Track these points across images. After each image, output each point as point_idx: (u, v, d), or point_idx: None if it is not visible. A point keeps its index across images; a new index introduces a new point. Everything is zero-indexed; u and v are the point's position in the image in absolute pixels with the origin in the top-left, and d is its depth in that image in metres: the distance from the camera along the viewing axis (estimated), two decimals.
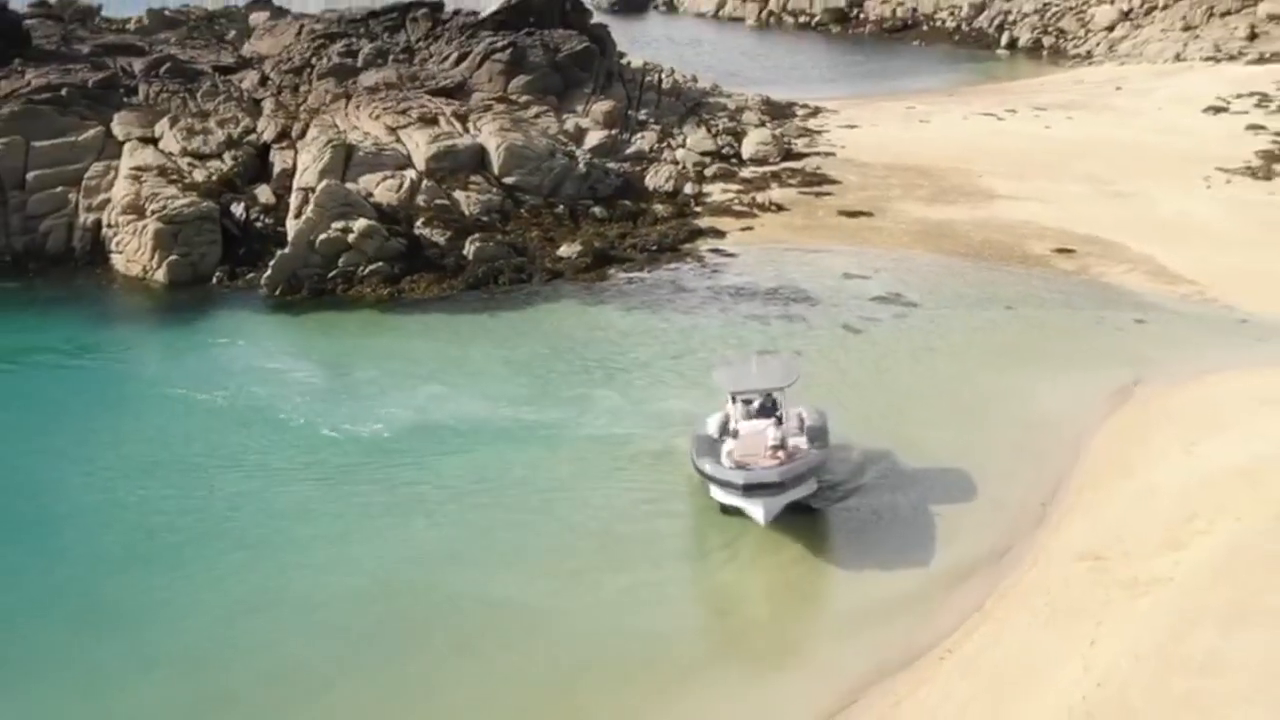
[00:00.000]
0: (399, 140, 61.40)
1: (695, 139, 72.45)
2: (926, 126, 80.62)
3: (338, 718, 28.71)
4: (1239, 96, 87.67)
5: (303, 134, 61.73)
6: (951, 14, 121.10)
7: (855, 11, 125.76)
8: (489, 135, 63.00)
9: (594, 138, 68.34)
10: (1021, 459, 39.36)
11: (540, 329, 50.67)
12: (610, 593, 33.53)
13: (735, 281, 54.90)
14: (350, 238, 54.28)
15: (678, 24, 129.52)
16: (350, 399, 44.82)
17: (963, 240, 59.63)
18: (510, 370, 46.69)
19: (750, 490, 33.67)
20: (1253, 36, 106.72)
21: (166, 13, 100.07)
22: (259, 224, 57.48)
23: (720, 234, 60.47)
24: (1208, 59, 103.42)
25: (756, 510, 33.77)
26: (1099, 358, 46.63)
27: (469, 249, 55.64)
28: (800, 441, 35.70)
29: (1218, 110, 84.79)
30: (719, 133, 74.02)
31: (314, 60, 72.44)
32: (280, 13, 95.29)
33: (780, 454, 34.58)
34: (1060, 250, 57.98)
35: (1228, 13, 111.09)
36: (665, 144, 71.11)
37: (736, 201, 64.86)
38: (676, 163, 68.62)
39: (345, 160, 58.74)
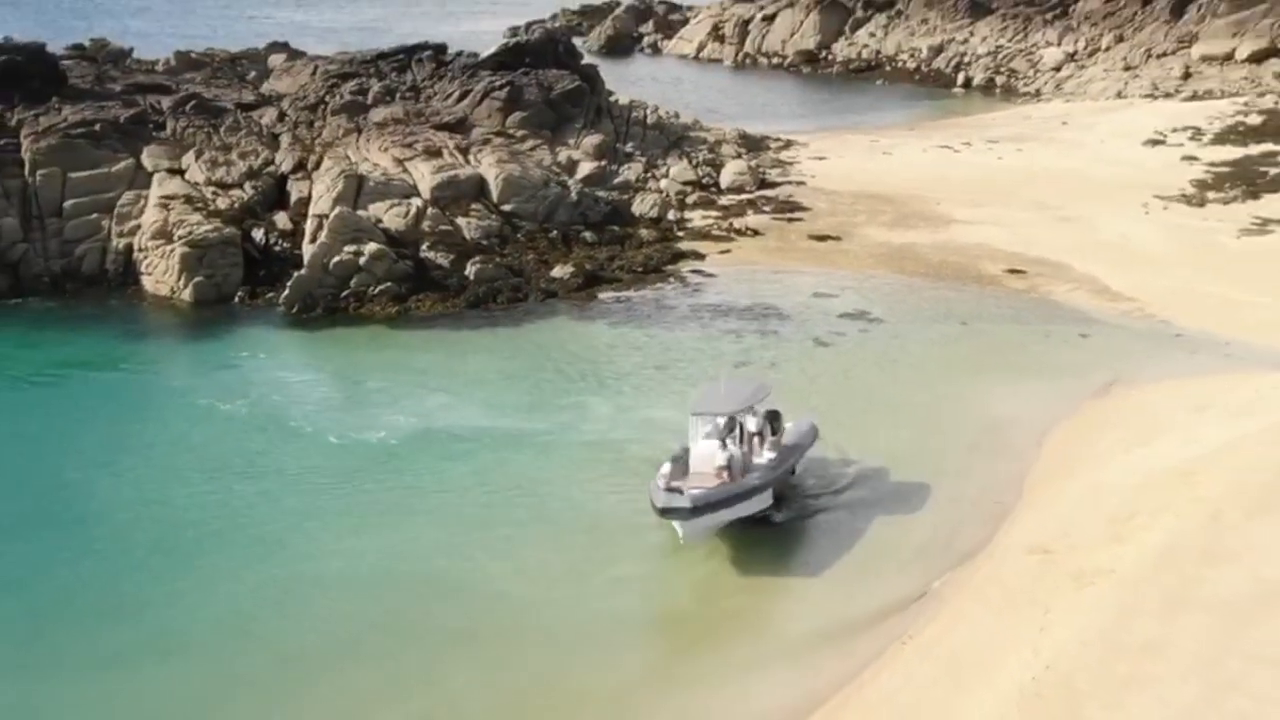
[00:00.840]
0: (406, 171, 61.36)
1: (678, 169, 72.45)
2: (889, 158, 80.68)
3: (346, 698, 28.66)
4: (1175, 130, 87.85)
5: (317, 165, 61.61)
6: (912, 56, 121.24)
7: (823, 53, 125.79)
8: (488, 166, 63.00)
9: (585, 168, 68.36)
10: (976, 460, 39.56)
11: (536, 343, 50.68)
12: (598, 584, 33.63)
13: (714, 300, 54.93)
14: (361, 260, 54.34)
15: (661, 65, 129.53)
16: (361, 408, 44.82)
17: (922, 262, 59.69)
18: (508, 381, 46.73)
19: (665, 514, 33.33)
20: (1187, 76, 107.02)
21: (192, 55, 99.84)
22: (277, 248, 57.41)
23: (701, 256, 60.45)
24: (1146, 96, 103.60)
25: (678, 530, 33.49)
26: (1047, 369, 46.75)
27: (470, 270, 55.67)
28: (763, 459, 35.54)
29: (1155, 143, 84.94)
30: (699, 164, 74.04)
31: (328, 98, 72.27)
32: (297, 54, 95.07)
33: (725, 475, 34.32)
34: (1011, 271, 58.05)
35: (1164, 54, 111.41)
36: (650, 174, 71.13)
37: (715, 227, 64.87)
38: (660, 191, 68.64)
39: (356, 189, 58.64)
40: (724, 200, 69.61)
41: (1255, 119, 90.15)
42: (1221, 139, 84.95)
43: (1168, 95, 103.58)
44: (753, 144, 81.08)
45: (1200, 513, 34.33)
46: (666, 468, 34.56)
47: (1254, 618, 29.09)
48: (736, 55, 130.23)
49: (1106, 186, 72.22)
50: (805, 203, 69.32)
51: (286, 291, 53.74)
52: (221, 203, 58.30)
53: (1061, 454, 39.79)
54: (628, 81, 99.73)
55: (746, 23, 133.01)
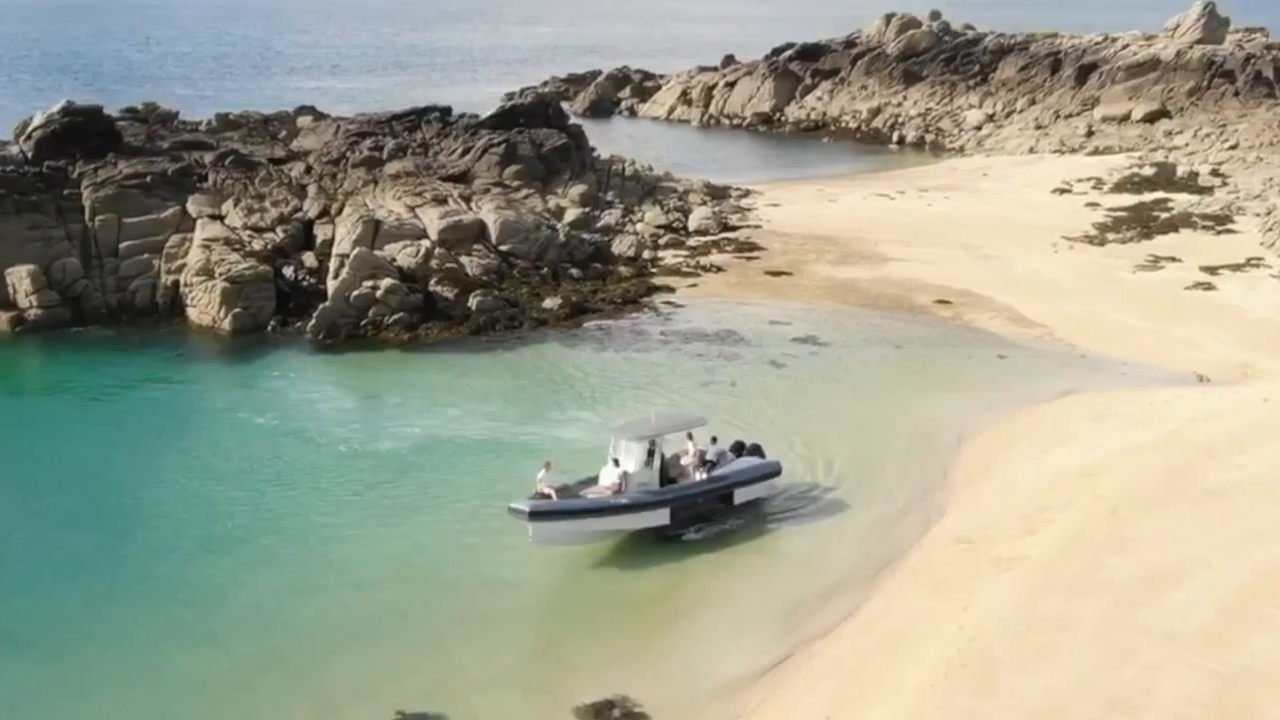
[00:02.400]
0: (416, 216, 61.42)
1: (651, 215, 72.63)
2: (834, 204, 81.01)
3: (367, 671, 28.78)
4: (1079, 180, 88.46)
5: (339, 212, 61.66)
6: (853, 117, 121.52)
7: (777, 115, 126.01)
8: (488, 212, 63.12)
9: (571, 214, 68.53)
10: (910, 463, 39.84)
11: (530, 364, 50.81)
12: (585, 569, 33.85)
13: (684, 327, 55.09)
14: (378, 293, 54.40)
15: (637, 125, 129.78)
16: (377, 420, 45.07)
17: (863, 294, 59.96)
18: (506, 397, 46.86)
19: (510, 512, 33.82)
20: (1090, 134, 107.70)
21: (230, 116, 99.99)
22: (305, 283, 57.38)
23: (672, 290, 60.59)
24: (1055, 151, 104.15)
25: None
26: (970, 385, 47.07)
27: (472, 302, 55.75)
28: (649, 479, 35.27)
29: (1063, 191, 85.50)
30: (670, 210, 74.20)
31: (348, 153, 72.26)
32: (321, 116, 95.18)
33: (613, 489, 34.81)
34: (939, 301, 58.37)
35: (1070, 115, 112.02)
36: (628, 219, 71.28)
37: (684, 264, 65.03)
38: (637, 234, 68.80)
39: (374, 232, 58.70)
40: (692, 241, 69.77)
41: (1148, 170, 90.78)
42: (1119, 188, 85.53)
43: (1073, 150, 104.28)
44: (716, 193, 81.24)
45: (1100, 508, 34.67)
46: (541, 474, 34.66)
47: (1145, 597, 29.43)
48: (702, 117, 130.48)
49: (1021, 229, 72.66)
50: (762, 243, 69.59)
51: (313, 321, 53.85)
52: (256, 244, 58.30)
53: (982, 458, 40.06)
54: (608, 139, 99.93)
55: (711, 89, 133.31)
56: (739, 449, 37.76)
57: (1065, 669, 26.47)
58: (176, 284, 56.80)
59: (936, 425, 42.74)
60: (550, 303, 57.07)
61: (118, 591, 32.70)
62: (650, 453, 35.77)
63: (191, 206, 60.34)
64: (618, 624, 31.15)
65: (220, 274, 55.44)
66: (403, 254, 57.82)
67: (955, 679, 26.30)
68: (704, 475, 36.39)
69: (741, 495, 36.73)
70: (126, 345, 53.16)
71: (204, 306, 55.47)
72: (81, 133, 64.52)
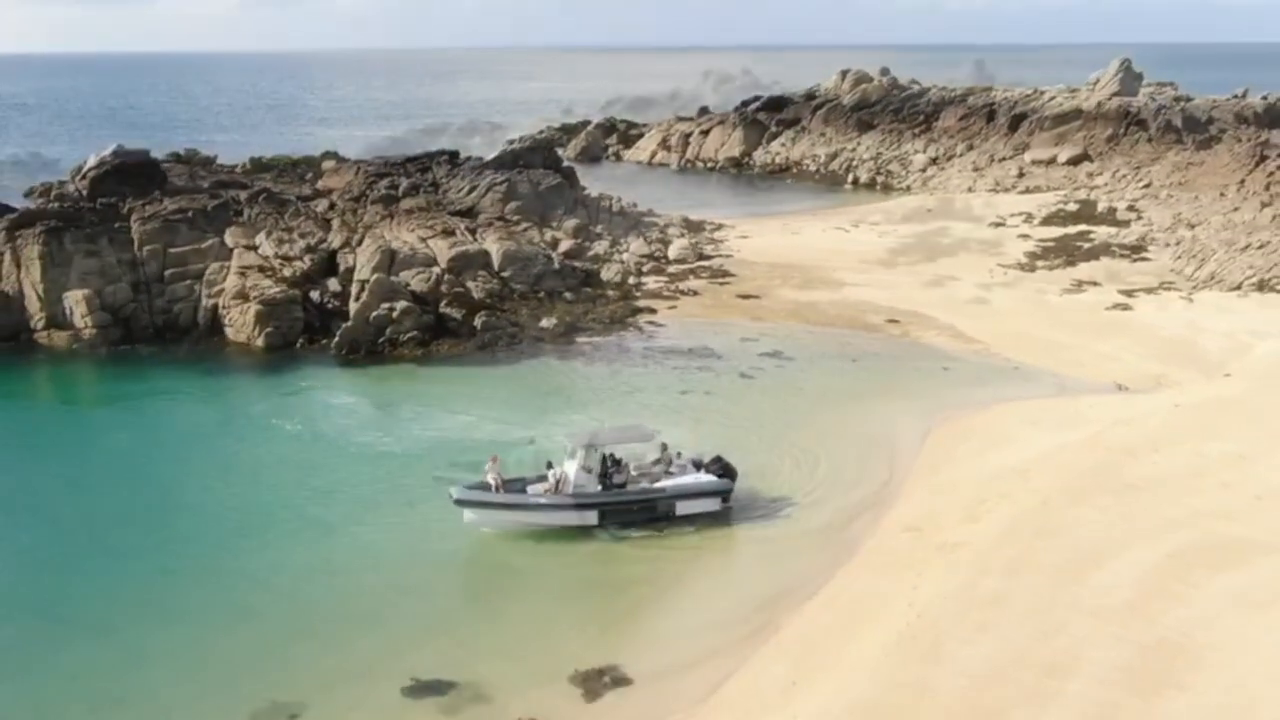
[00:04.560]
0: (428, 246, 61.42)
1: (636, 246, 72.73)
2: (797, 236, 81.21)
3: (386, 643, 28.76)
4: (1012, 215, 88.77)
5: (360, 243, 61.60)
6: (813, 160, 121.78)
7: (746, 159, 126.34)
8: (492, 243, 63.18)
9: (565, 245, 68.62)
10: (865, 461, 39.84)
11: (529, 376, 50.85)
12: (577, 555, 33.87)
13: (664, 344, 55.08)
14: (394, 314, 54.36)
15: (622, 168, 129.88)
16: (394, 424, 44.98)
17: (823, 314, 60.03)
18: (508, 403, 46.81)
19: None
20: (1021, 175, 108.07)
21: (263, 160, 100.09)
22: (330, 305, 57.36)
23: (653, 311, 60.63)
24: (990, 190, 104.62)
25: None
26: (918, 394, 47.08)
27: (478, 322, 55.83)
28: (587, 482, 35.37)
29: (998, 225, 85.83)
30: (652, 241, 74.32)
31: (367, 191, 72.32)
32: (343, 160, 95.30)
33: (547, 489, 35.32)
34: (890, 320, 58.46)
35: (1004, 159, 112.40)
36: (615, 249, 71.36)
37: (665, 289, 65.09)
38: (623, 262, 68.85)
39: (390, 261, 58.73)
40: (671, 269, 69.85)
41: (1072, 207, 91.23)
42: (1047, 221, 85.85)
43: (1006, 189, 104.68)
44: (693, 227, 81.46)
45: (1033, 500, 34.80)
46: (487, 466, 35.38)
47: (1073, 577, 29.55)
48: (680, 161, 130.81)
49: (961, 257, 72.85)
50: (733, 270, 69.66)
51: (336, 338, 53.89)
52: (286, 271, 58.22)
53: (929, 457, 40.11)
54: (598, 180, 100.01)
55: (688, 136, 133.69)
56: (715, 463, 36.81)
57: (1003, 640, 26.55)
58: (215, 306, 56.73)
59: (889, 428, 42.78)
60: (546, 322, 57.09)
61: (164, 576, 32.66)
62: (598, 460, 35.84)
63: (229, 238, 60.25)
64: (606, 603, 31.11)
65: (254, 297, 55.40)
66: (416, 280, 57.78)
67: (907, 649, 26.36)
68: (644, 484, 36.08)
69: (684, 508, 35.80)
70: (171, 360, 53.17)
71: (239, 326, 55.39)
72: (131, 173, 64.87)
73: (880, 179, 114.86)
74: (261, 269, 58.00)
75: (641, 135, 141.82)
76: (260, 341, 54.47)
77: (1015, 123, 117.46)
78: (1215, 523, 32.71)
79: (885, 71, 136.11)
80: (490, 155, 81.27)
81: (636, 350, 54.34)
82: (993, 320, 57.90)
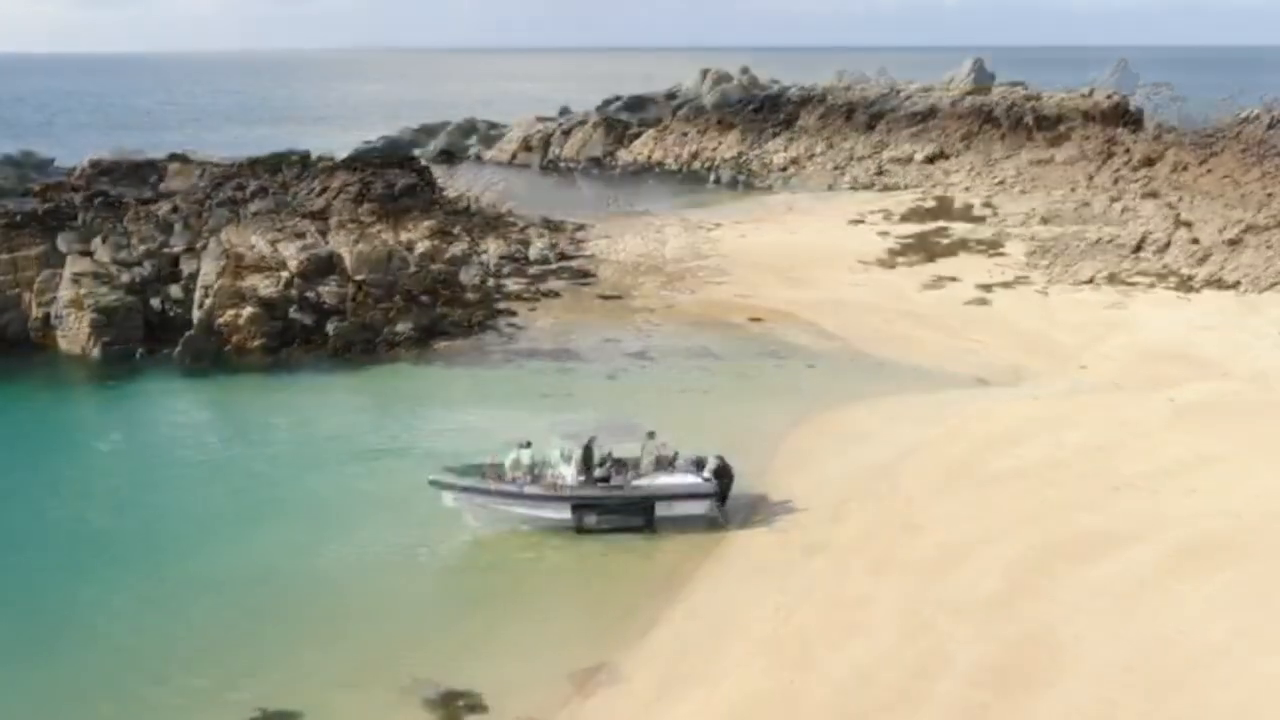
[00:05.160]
0: (276, 250, 59.25)
1: (495, 247, 71.37)
2: (659, 235, 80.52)
3: (221, 672, 27.03)
4: (871, 213, 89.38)
5: (204, 247, 59.24)
6: (675, 160, 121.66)
7: (608, 158, 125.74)
8: (343, 245, 61.18)
9: (421, 246, 66.82)
10: (729, 460, 39.08)
11: (384, 383, 49.41)
12: (435, 567, 32.53)
13: (526, 346, 54.05)
14: (240, 321, 52.43)
15: (483, 169, 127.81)
16: (239, 438, 43.21)
17: (686, 314, 59.56)
18: (361, 412, 45.45)
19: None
20: (880, 173, 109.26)
21: (104, 162, 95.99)
22: (171, 313, 55.14)
23: (514, 314, 59.48)
24: (850, 188, 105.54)
25: None
26: (781, 392, 46.86)
27: (330, 328, 53.99)
28: (567, 474, 34.50)
29: (857, 222, 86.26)
30: (512, 242, 73.14)
31: (213, 194, 69.80)
32: (189, 161, 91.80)
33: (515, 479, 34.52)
34: (753, 319, 58.21)
35: (863, 157, 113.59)
36: (474, 250, 69.90)
37: (526, 291, 63.95)
38: (482, 264, 67.51)
39: (236, 265, 56.48)
40: (532, 270, 68.72)
41: (930, 203, 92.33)
42: (906, 218, 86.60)
43: (866, 187, 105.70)
44: (554, 227, 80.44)
45: (897, 496, 34.69)
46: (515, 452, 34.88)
47: (937, 575, 29.33)
48: (542, 161, 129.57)
49: (822, 254, 73.05)
50: (595, 271, 68.88)
51: (179, 348, 51.62)
52: (125, 277, 55.55)
53: (793, 455, 39.75)
54: (457, 181, 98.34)
55: (549, 136, 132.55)
56: (715, 464, 35.23)
57: (871, 643, 26.13)
58: (48, 316, 53.80)
59: (753, 427, 42.29)
60: (403, 327, 55.47)
61: None
62: (579, 453, 34.82)
63: (61, 243, 57.26)
64: (463, 620, 29.78)
65: (89, 305, 52.76)
66: (264, 285, 55.66)
67: (773, 656, 25.79)
68: (622, 481, 34.88)
69: (663, 510, 34.36)
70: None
71: (74, 336, 52.66)
72: None
73: (742, 178, 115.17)
74: (97, 275, 55.19)
75: (503, 135, 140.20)
76: (96, 351, 51.84)
77: (873, 121, 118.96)
78: (1075, 514, 32.89)
79: (745, 71, 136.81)
80: (342, 155, 79.01)
81: (497, 353, 53.15)
82: (854, 316, 58.01)
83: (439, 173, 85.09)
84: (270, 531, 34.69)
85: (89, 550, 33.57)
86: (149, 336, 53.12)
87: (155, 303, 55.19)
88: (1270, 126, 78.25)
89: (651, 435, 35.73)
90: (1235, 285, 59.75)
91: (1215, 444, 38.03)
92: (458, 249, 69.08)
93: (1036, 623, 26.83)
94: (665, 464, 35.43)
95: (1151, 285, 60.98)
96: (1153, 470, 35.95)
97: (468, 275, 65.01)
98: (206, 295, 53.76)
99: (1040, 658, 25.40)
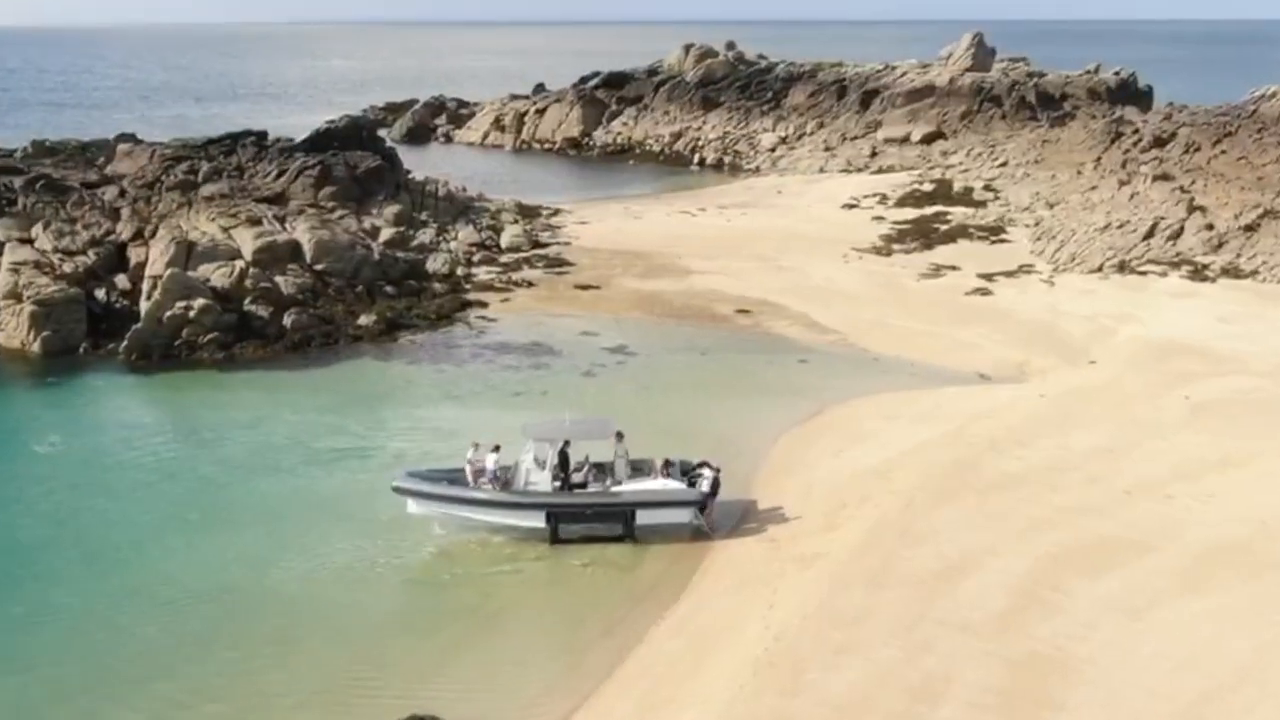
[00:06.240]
0: (230, 237, 58.55)
1: (465, 233, 70.83)
2: (639, 221, 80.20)
3: (173, 695, 26.34)
4: (866, 197, 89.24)
5: (153, 234, 58.54)
6: (656, 141, 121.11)
7: (586, 139, 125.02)
8: (303, 232, 60.52)
9: (386, 233, 66.28)
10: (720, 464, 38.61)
11: (344, 380, 48.64)
12: (396, 580, 31.92)
13: (497, 340, 53.45)
14: (191, 314, 51.54)
15: (453, 150, 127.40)
16: (188, 440, 42.37)
17: (668, 305, 59.07)
18: (320, 413, 44.52)
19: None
20: (874, 154, 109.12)
21: (47, 144, 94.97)
22: (118, 305, 54.36)
23: (485, 305, 58.92)
24: (842, 170, 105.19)
25: None
26: (771, 389, 46.48)
27: (287, 320, 53.31)
28: (542, 479, 34.03)
29: (851, 207, 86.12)
30: (483, 228, 72.54)
31: (163, 177, 68.91)
32: (138, 142, 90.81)
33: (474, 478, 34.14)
34: (740, 311, 57.75)
35: (856, 138, 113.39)
36: (442, 237, 69.30)
37: (497, 280, 63.39)
38: (450, 252, 66.94)
39: (187, 253, 55.74)
40: (504, 258, 68.17)
41: (928, 187, 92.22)
42: (902, 203, 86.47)
43: (859, 169, 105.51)
44: (528, 212, 79.93)
45: (895, 503, 34.20)
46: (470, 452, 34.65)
47: (940, 589, 28.83)
48: (515, 142, 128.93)
49: (814, 241, 72.79)
50: (572, 259, 68.33)
51: (125, 342, 50.75)
52: (67, 267, 54.83)
53: (784, 458, 39.33)
54: (424, 163, 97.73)
55: (522, 115, 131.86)
56: (697, 470, 34.74)
57: (868, 663, 25.57)
58: None
59: (740, 428, 41.90)
60: (365, 319, 54.91)
61: None
62: (555, 455, 34.26)
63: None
64: (427, 639, 29.10)
65: (29, 297, 51.92)
66: (217, 274, 54.97)
67: (763, 678, 25.16)
68: (600, 486, 34.35)
69: (644, 517, 33.75)
70: None
71: (13, 330, 51.80)
72: None
73: (728, 160, 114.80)
74: (38, 265, 54.40)
75: (473, 114, 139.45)
76: (36, 347, 50.95)
77: (866, 100, 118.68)
78: (1085, 521, 32.53)
79: (731, 46, 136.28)
80: (302, 136, 78.09)
81: (466, 348, 52.55)
82: (848, 308, 57.62)
83: (405, 154, 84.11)
84: (221, 542, 33.95)
85: (21, 563, 32.76)
86: (93, 331, 52.29)
87: (100, 294, 54.32)
88: None
89: (620, 437, 35.15)
90: (1253, 274, 59.59)
91: (1235, 444, 37.78)
92: (425, 236, 68.43)
93: (1046, 641, 26.37)
94: (649, 470, 34.93)
95: (1164, 274, 60.76)
96: (1168, 474, 35.65)
97: (435, 264, 64.39)
98: (155, 286, 52.88)
99: (1050, 679, 24.91)
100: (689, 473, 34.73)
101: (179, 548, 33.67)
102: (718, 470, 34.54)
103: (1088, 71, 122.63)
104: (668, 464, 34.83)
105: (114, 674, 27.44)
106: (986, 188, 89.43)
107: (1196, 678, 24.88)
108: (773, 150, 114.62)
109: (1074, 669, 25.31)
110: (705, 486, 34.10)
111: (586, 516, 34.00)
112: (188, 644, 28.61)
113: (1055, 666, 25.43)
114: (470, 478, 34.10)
